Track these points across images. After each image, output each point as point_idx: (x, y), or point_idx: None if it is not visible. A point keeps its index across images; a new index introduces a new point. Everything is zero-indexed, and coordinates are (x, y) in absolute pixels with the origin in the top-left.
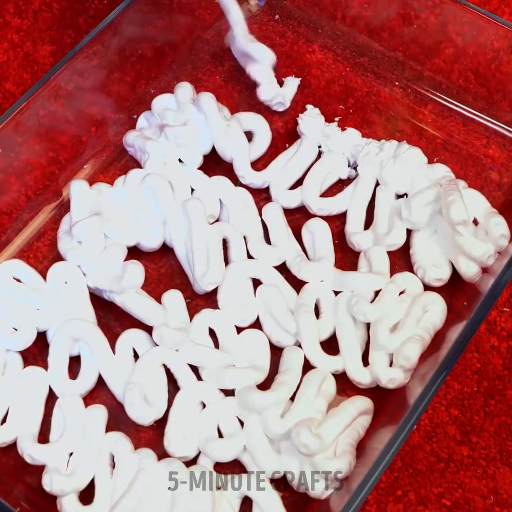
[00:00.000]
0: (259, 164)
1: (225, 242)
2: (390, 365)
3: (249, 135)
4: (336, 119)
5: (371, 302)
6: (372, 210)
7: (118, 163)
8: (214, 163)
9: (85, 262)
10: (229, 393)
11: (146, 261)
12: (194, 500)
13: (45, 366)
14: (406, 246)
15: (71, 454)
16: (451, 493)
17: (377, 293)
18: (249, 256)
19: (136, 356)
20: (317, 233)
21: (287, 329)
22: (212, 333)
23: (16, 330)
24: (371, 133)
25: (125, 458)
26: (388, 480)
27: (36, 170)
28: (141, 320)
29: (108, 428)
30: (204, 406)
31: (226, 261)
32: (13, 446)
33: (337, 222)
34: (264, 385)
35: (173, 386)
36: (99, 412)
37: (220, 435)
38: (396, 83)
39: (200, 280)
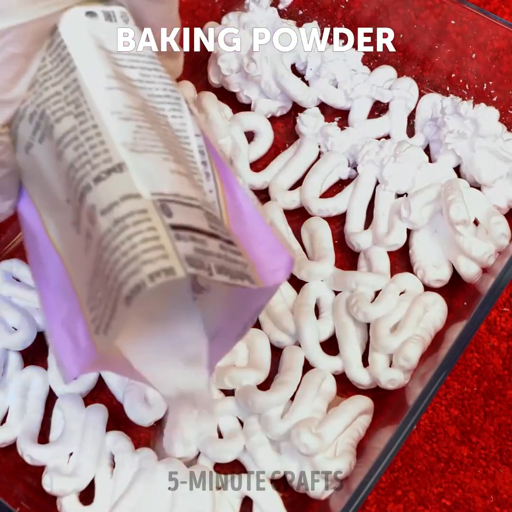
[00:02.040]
0: (259, 164)
1: None
2: (390, 366)
3: (251, 135)
4: (336, 119)
5: (371, 302)
6: (372, 210)
7: None
8: None
9: None
10: (229, 393)
11: None
12: (194, 500)
13: (45, 366)
14: (406, 246)
15: (71, 454)
16: (451, 493)
17: (377, 293)
18: None
19: None
20: (317, 233)
21: (287, 329)
22: None
23: (16, 330)
24: None
25: (125, 458)
26: (388, 480)
27: None
28: None
29: (108, 428)
30: None
31: None
32: (13, 446)
33: (337, 222)
34: (264, 385)
35: None
36: (99, 412)
37: (220, 436)
38: None
39: None
